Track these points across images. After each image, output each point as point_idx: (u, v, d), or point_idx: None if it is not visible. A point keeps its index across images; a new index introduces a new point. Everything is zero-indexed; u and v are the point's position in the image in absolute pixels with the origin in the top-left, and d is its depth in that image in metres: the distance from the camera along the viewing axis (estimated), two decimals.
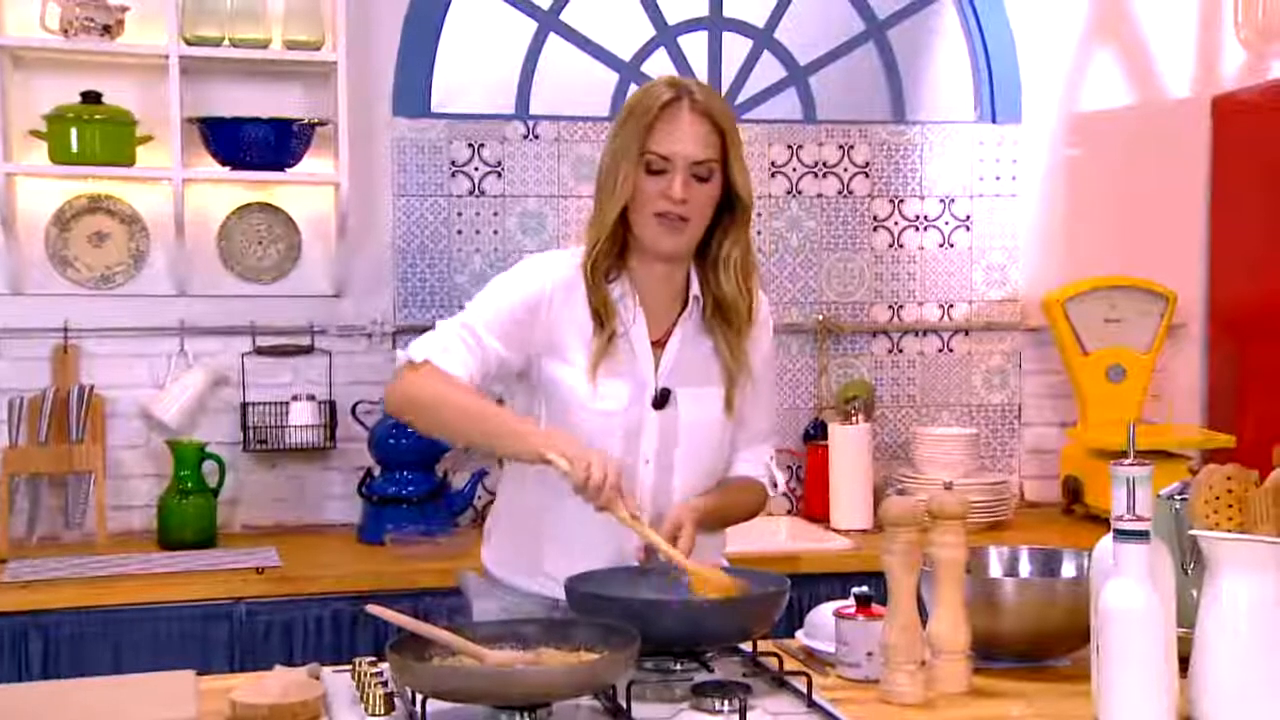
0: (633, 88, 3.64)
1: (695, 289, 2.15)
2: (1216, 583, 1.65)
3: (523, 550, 2.17)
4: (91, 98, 3.14)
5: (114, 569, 2.91)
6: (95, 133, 3.12)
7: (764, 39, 3.72)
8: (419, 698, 1.65)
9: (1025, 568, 2.11)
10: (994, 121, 3.79)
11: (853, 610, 1.92)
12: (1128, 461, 1.66)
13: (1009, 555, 2.12)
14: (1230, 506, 1.71)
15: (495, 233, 3.54)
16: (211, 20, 3.18)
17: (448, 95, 3.55)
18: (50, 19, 3.09)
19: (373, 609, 1.80)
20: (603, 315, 2.10)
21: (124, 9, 3.14)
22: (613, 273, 2.13)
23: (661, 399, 2.12)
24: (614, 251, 2.11)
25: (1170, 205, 3.87)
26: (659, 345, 2.14)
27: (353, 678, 1.83)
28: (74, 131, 3.11)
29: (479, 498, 3.37)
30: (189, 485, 3.19)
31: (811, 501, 3.57)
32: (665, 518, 2.06)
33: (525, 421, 2.08)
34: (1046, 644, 1.95)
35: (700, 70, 3.69)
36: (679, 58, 3.68)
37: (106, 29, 3.11)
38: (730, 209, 2.12)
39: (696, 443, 2.15)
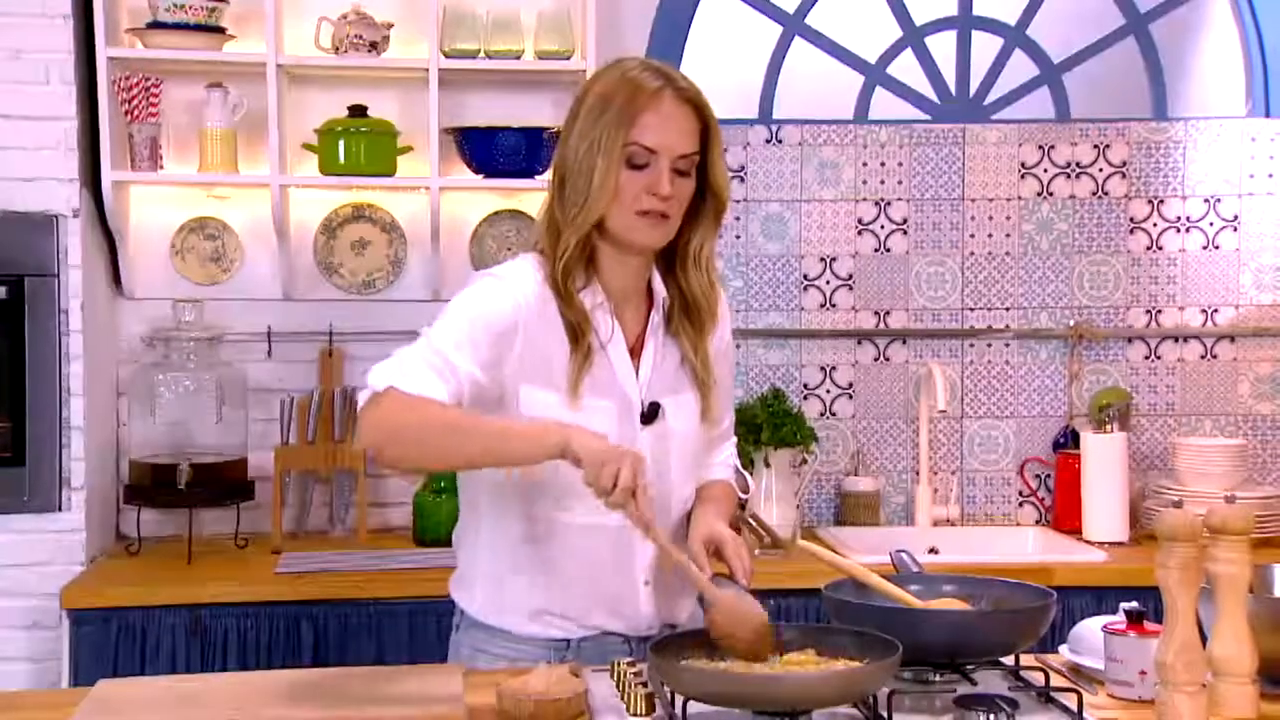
0: (878, 90, 3.62)
1: (661, 287, 2.01)
2: None
3: (516, 591, 2.00)
4: (358, 111, 3.28)
5: (373, 564, 3.02)
6: (361, 144, 3.24)
7: (1016, 37, 3.62)
8: (679, 699, 1.67)
9: None
10: (1268, 115, 3.60)
11: (1123, 626, 1.85)
12: None
13: None
14: None
15: (737, 237, 3.55)
16: (469, 33, 3.28)
17: None
18: (324, 38, 3.24)
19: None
20: (580, 331, 1.93)
21: (389, 25, 3.27)
22: (580, 279, 1.96)
23: (651, 413, 1.98)
24: (585, 255, 1.95)
25: None
26: (634, 354, 2.00)
27: (612, 677, 1.85)
28: (341, 143, 3.24)
29: None
30: (442, 484, 3.29)
31: (1061, 512, 3.45)
32: (713, 540, 1.94)
33: (527, 420, 1.90)
34: None
35: (948, 71, 3.62)
36: (926, 58, 3.62)
37: (373, 45, 3.24)
38: (702, 201, 1.97)
39: (687, 454, 2.03)
